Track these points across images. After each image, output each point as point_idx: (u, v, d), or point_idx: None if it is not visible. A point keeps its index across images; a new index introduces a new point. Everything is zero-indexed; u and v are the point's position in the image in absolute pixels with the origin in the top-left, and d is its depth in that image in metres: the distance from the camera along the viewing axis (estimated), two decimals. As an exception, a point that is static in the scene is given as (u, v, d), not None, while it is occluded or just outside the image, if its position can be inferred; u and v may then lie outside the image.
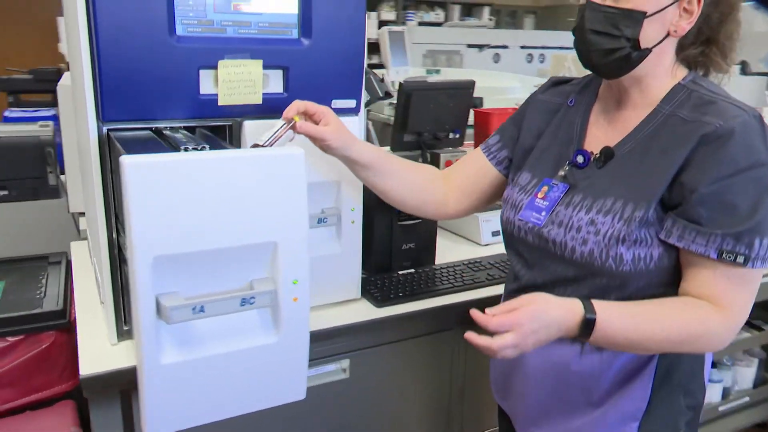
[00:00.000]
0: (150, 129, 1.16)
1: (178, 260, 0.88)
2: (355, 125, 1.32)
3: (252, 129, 1.21)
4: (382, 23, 8.92)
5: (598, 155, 1.11)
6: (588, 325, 0.98)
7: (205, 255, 0.90)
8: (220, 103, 1.18)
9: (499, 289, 1.45)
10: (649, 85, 1.08)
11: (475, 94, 4.10)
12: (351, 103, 1.31)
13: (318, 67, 1.25)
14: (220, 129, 1.23)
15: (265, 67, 1.20)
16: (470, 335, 0.97)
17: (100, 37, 1.05)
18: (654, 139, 1.05)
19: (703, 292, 1.00)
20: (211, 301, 0.90)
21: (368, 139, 2.69)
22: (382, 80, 1.78)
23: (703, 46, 1.08)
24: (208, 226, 0.88)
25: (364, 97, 1.36)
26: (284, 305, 0.96)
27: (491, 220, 1.86)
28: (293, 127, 1.13)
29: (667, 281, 1.05)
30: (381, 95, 1.73)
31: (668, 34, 1.04)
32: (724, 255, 0.96)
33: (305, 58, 1.23)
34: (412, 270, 1.60)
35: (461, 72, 5.76)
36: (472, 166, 1.30)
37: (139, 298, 0.86)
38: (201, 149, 1.02)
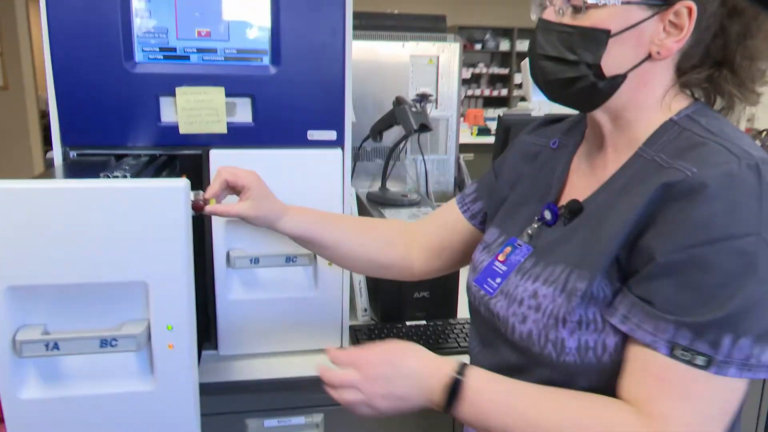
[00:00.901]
0: (113, 155, 1.16)
1: (40, 292, 0.83)
2: (337, 159, 1.21)
3: (218, 159, 1.16)
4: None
5: (564, 210, 0.87)
6: (454, 389, 0.77)
7: (71, 289, 0.84)
8: (181, 132, 1.14)
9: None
10: (631, 122, 0.82)
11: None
12: (331, 135, 1.20)
13: (289, 96, 1.16)
14: (194, 158, 1.19)
15: (230, 94, 1.15)
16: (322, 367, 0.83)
17: (54, 62, 1.07)
18: (624, 190, 0.79)
19: (637, 397, 0.72)
20: (67, 339, 0.84)
21: (459, 174, 2.54)
22: (420, 111, 1.63)
23: (712, 69, 0.81)
24: (73, 258, 0.83)
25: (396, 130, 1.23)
26: (158, 352, 0.87)
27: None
28: (197, 208, 1.00)
29: None
30: (415, 128, 1.58)
31: (649, 56, 0.78)
32: (676, 352, 0.68)
33: (274, 86, 1.16)
34: (424, 322, 1.44)
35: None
36: (444, 220, 1.11)
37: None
38: (119, 177, 0.98)
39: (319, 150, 1.20)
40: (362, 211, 1.65)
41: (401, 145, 1.91)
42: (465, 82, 9.11)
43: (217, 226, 1.17)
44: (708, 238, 0.68)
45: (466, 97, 9.03)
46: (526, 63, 4.55)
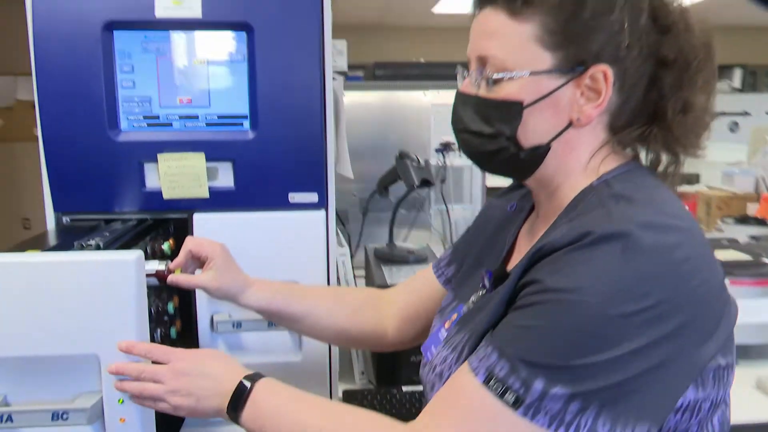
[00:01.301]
0: (103, 220, 1.19)
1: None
2: (320, 221, 1.20)
3: (201, 223, 1.17)
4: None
5: (494, 278, 0.83)
6: (241, 393, 0.78)
7: (29, 361, 0.86)
8: (165, 197, 1.16)
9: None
10: (559, 188, 0.78)
11: (692, 170, 3.57)
12: (312, 197, 1.19)
13: (268, 159, 1.17)
14: (183, 221, 1.21)
15: (212, 159, 1.16)
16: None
17: (44, 132, 1.12)
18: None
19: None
20: (20, 412, 0.85)
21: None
22: (423, 166, 1.61)
23: (646, 125, 0.75)
24: (27, 331, 0.84)
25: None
26: (110, 426, 0.87)
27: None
28: (161, 277, 1.00)
29: None
30: (417, 183, 1.56)
31: (571, 123, 0.74)
32: (492, 382, 0.64)
33: (253, 150, 1.16)
34: (421, 388, 1.38)
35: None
36: (419, 285, 1.07)
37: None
38: (91, 247, 1.00)
39: (301, 212, 1.19)
40: (368, 268, 1.63)
41: (427, 194, 1.89)
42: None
43: (201, 291, 1.17)
44: (544, 287, 0.65)
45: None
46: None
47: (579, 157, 0.76)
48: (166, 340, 1.16)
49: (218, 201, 1.18)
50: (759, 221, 2.53)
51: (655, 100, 0.75)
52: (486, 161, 0.79)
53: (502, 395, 0.63)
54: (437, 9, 5.88)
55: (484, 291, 0.85)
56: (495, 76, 0.73)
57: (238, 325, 1.18)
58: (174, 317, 1.22)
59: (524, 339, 0.64)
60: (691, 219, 0.71)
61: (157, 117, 1.16)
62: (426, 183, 1.56)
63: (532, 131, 0.74)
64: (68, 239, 1.04)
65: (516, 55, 0.72)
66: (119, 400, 0.86)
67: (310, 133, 1.17)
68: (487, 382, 0.65)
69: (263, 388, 0.79)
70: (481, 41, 0.75)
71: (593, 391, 0.61)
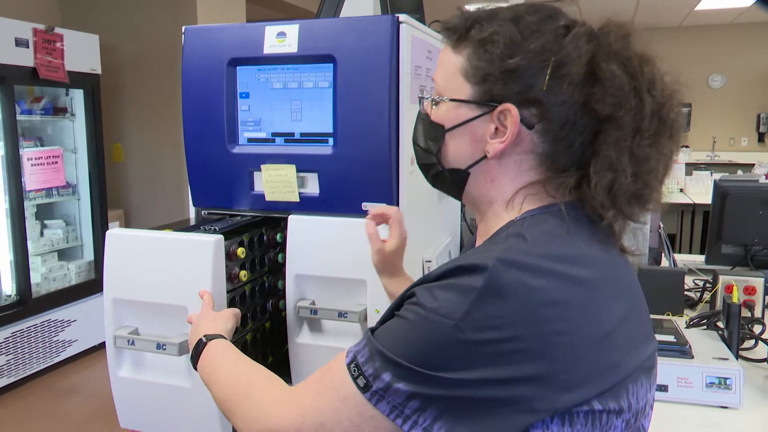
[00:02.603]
0: (228, 214, 1.50)
1: (129, 304, 1.25)
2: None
3: (294, 223, 1.41)
4: None
5: None
6: (198, 346, 0.96)
7: (148, 306, 1.23)
8: (267, 199, 1.43)
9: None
10: (485, 215, 0.83)
11: None
12: (382, 207, 1.35)
13: (345, 172, 1.35)
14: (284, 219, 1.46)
15: (301, 170, 1.39)
16: None
17: (187, 146, 1.46)
18: None
19: None
20: (140, 339, 1.25)
21: (658, 245, 2.33)
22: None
23: (579, 173, 0.75)
24: (150, 283, 1.22)
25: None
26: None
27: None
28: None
29: None
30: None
31: (486, 156, 0.78)
32: (352, 366, 0.71)
33: (334, 164, 1.36)
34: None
35: None
36: None
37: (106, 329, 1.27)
38: (209, 231, 1.31)
39: (373, 220, 1.35)
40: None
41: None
42: None
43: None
44: (418, 302, 0.70)
45: None
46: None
47: (500, 189, 0.80)
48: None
49: (307, 205, 1.40)
50: None
51: (590, 147, 0.75)
52: (424, 173, 0.88)
53: (355, 378, 0.71)
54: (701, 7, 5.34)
55: None
56: (426, 97, 0.83)
57: (314, 312, 1.39)
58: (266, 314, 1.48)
59: (387, 336, 0.72)
60: (593, 269, 0.70)
61: (263, 134, 1.42)
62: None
63: (452, 155, 0.81)
64: (196, 226, 1.37)
65: (447, 82, 0.79)
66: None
67: (380, 151, 1.32)
68: (349, 364, 0.73)
69: (214, 344, 0.97)
70: (437, 67, 0.84)
71: (433, 397, 0.68)
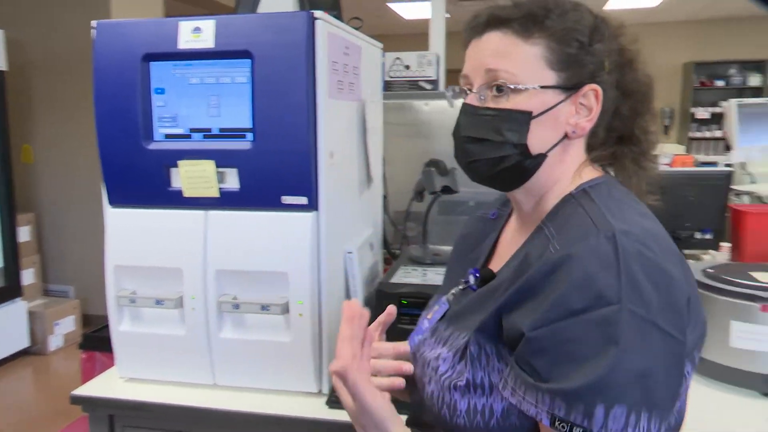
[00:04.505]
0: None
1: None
2: (307, 222, 1.37)
3: (215, 217, 1.41)
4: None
5: (481, 277, 0.93)
6: None
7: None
8: (185, 195, 1.42)
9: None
10: (544, 197, 0.89)
11: None
12: (302, 200, 1.37)
13: (265, 167, 1.36)
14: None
15: (221, 166, 1.39)
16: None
17: (100, 143, 1.43)
18: (520, 263, 0.84)
19: None
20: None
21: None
22: (447, 173, 1.69)
23: (617, 145, 0.91)
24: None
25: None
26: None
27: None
28: None
29: None
30: (438, 189, 1.65)
31: (566, 136, 0.86)
32: (557, 423, 0.71)
33: (253, 158, 1.37)
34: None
35: None
36: None
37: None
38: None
39: (293, 213, 1.37)
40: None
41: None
42: (703, 123, 8.28)
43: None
44: (567, 311, 0.72)
45: (699, 139, 8.19)
46: (732, 104, 4.08)
47: (566, 168, 0.88)
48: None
49: (227, 200, 1.40)
50: None
51: (621, 124, 0.90)
52: (487, 168, 0.86)
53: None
54: (611, 5, 5.59)
55: (465, 286, 0.96)
56: (514, 86, 0.83)
57: (236, 306, 1.40)
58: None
59: (565, 370, 0.71)
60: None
61: (180, 130, 1.41)
62: (447, 190, 1.65)
63: (535, 140, 0.85)
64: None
65: (526, 71, 0.83)
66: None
67: (299, 145, 1.34)
68: (552, 424, 0.71)
69: None
70: (492, 58, 0.84)
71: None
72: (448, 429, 0.85)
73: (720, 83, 8.20)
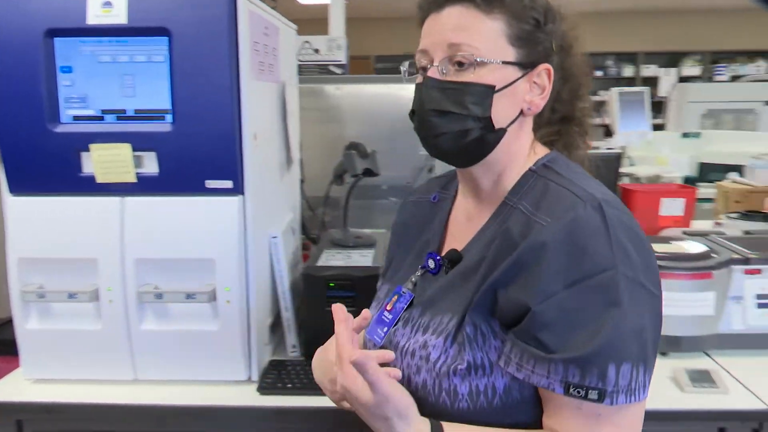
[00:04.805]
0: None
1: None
2: (233, 205, 1.33)
3: (132, 205, 1.33)
4: (684, 79, 8.10)
5: (445, 260, 0.93)
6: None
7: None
8: (98, 181, 1.33)
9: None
10: (503, 172, 0.91)
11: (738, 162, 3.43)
12: (227, 184, 1.33)
13: (187, 150, 1.31)
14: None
15: (138, 149, 1.32)
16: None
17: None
18: (494, 238, 0.87)
19: (558, 428, 0.79)
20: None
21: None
22: (367, 156, 1.70)
23: (560, 124, 0.95)
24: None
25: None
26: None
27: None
28: None
29: (530, 422, 0.83)
30: (359, 172, 1.66)
31: (521, 112, 0.88)
32: (571, 390, 0.75)
33: (174, 141, 1.31)
34: (344, 360, 1.49)
35: (736, 135, 4.89)
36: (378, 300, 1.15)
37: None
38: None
39: (218, 197, 1.33)
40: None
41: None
42: (584, 110, 8.78)
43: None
44: (567, 281, 0.76)
45: (581, 125, 8.70)
46: (614, 93, 4.37)
47: (521, 145, 0.91)
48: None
49: (146, 185, 1.33)
50: (766, 216, 2.44)
51: (561, 107, 0.94)
52: (451, 141, 0.86)
53: (585, 397, 0.75)
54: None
55: (424, 271, 0.95)
56: (479, 60, 0.83)
57: (159, 296, 1.34)
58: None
59: (575, 337, 0.76)
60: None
61: (91, 112, 1.32)
62: (369, 173, 1.66)
63: (498, 115, 0.86)
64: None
65: (489, 45, 0.84)
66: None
67: (223, 127, 1.30)
68: (566, 391, 0.75)
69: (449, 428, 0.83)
70: (455, 32, 0.84)
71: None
72: (448, 416, 0.83)
73: (599, 73, 8.75)
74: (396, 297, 0.97)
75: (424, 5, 0.89)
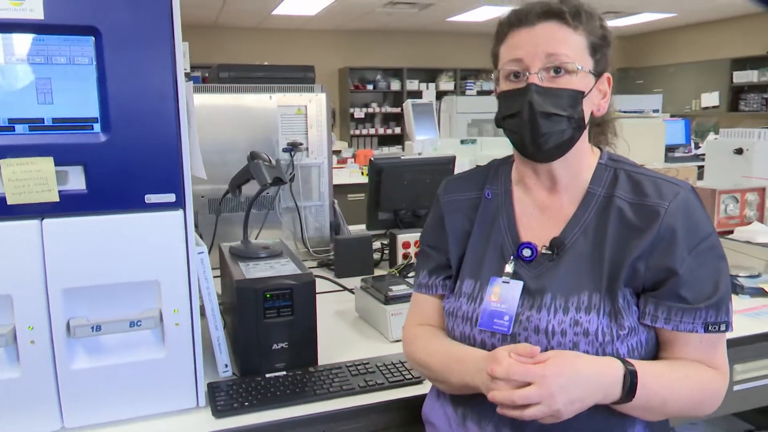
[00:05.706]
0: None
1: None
2: (177, 220, 1.23)
3: (52, 227, 1.15)
4: (441, 93, 9.01)
5: (547, 247, 1.06)
6: (632, 381, 0.94)
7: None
8: (9, 203, 1.13)
9: (371, 398, 1.33)
10: (577, 165, 1.08)
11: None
12: (170, 197, 1.22)
13: (122, 162, 1.18)
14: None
15: (60, 163, 1.15)
16: (494, 393, 0.93)
17: None
18: (601, 223, 1.04)
19: (695, 359, 1.02)
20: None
21: (335, 219, 2.60)
22: (275, 166, 1.68)
23: (597, 126, 1.13)
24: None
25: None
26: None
27: (401, 314, 1.69)
28: None
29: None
30: (269, 182, 1.63)
31: (592, 114, 1.07)
32: (710, 328, 0.99)
33: (106, 153, 1.17)
34: (284, 372, 1.46)
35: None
36: (432, 309, 1.20)
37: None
38: None
39: (159, 213, 1.22)
40: (224, 266, 1.66)
41: (277, 193, 1.94)
42: (360, 122, 9.31)
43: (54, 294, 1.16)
44: (692, 247, 1.00)
45: (359, 136, 9.22)
46: (408, 104, 4.75)
47: (586, 141, 1.09)
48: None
49: (70, 205, 1.17)
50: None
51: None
52: (555, 140, 1.02)
53: (719, 330, 1.00)
54: (278, 11, 5.82)
55: (519, 261, 1.07)
56: (577, 68, 1.01)
57: (97, 328, 1.18)
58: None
59: (708, 287, 1.00)
60: None
61: (-1, 122, 1.12)
62: (278, 181, 1.63)
63: (584, 116, 1.04)
64: None
65: (578, 56, 1.02)
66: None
67: (165, 136, 1.20)
68: (706, 330, 0.99)
69: (640, 368, 0.97)
70: (550, 44, 1.00)
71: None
72: None
73: (370, 87, 9.33)
74: (498, 287, 1.06)
75: (514, 20, 1.02)
